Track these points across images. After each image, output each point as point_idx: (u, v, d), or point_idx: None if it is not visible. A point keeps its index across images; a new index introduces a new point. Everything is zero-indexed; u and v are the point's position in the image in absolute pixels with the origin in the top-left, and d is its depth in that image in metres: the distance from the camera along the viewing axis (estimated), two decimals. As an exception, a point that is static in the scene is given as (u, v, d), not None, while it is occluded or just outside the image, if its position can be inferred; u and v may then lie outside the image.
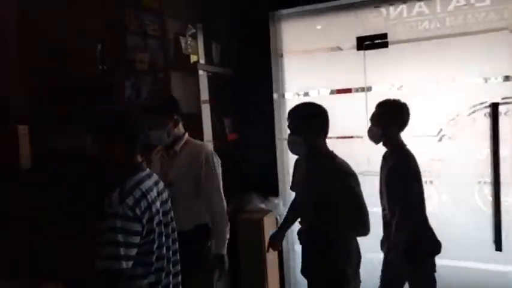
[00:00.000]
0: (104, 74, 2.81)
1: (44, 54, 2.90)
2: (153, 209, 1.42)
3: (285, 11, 2.97)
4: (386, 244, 2.19)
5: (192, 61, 2.63)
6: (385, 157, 2.23)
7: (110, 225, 1.29)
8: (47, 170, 2.67)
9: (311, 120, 1.83)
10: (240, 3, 3.00)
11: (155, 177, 1.56)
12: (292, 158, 3.04)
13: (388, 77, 2.83)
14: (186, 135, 2.09)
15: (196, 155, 2.02)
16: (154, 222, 1.41)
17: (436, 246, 2.10)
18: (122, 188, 1.36)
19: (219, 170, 2.07)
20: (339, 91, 2.93)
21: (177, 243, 1.61)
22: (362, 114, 2.68)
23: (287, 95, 3.08)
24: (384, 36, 2.78)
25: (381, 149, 2.22)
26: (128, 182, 1.39)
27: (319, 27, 2.96)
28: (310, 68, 3.00)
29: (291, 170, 3.01)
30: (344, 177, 1.76)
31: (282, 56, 3.05)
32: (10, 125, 2.69)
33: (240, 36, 3.02)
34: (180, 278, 1.60)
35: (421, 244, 2.07)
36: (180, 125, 2.06)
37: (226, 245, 2.06)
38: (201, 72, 2.62)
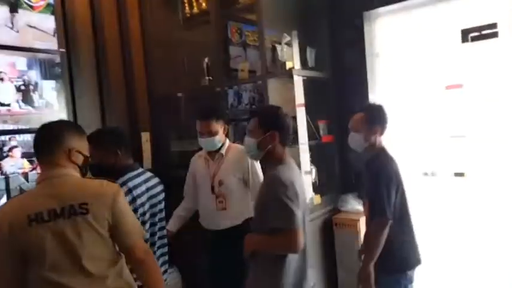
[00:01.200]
0: (211, 84, 3.15)
1: (163, 69, 3.39)
2: (138, 202, 1.81)
3: (380, 9, 2.91)
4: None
5: (288, 67, 2.76)
6: (366, 163, 2.10)
7: None
8: (164, 170, 3.09)
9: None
10: (334, 4, 3.05)
11: (145, 175, 1.96)
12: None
13: (496, 71, 2.58)
14: (227, 141, 2.38)
15: (241, 156, 2.27)
16: (138, 212, 1.79)
17: (402, 264, 1.97)
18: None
19: (260, 167, 2.32)
20: (448, 87, 2.76)
21: (164, 230, 2.03)
22: (467, 112, 2.49)
23: (383, 95, 3.02)
24: (493, 26, 2.54)
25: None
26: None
27: (416, 23, 2.83)
28: (407, 66, 2.89)
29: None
30: (274, 187, 1.61)
31: (377, 55, 2.99)
32: (138, 132, 3.22)
33: (335, 38, 3.06)
34: (166, 258, 2.04)
35: (385, 258, 1.90)
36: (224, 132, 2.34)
37: None
38: (296, 77, 2.73)
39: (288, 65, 2.77)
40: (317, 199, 2.88)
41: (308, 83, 2.91)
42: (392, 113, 2.87)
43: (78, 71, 2.95)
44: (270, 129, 1.68)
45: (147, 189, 1.92)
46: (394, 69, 2.96)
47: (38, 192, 1.38)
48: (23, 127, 2.54)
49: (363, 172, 2.16)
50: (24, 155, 2.53)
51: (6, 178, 2.47)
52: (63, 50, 2.86)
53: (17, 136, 2.50)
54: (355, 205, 2.90)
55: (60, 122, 1.58)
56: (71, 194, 1.38)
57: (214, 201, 2.29)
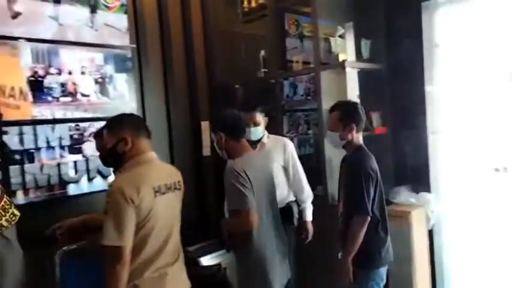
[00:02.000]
0: (267, 75, 3.29)
1: (222, 61, 3.59)
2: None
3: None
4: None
5: (341, 59, 2.80)
6: (343, 160, 2.17)
7: None
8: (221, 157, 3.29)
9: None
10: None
11: None
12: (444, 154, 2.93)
13: None
14: (265, 131, 2.60)
15: (280, 145, 2.56)
16: None
17: (376, 261, 2.01)
18: None
19: (296, 154, 2.63)
20: None
21: None
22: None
23: (440, 87, 2.94)
24: None
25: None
26: None
27: (477, 12, 2.71)
28: (468, 57, 2.79)
29: (445, 166, 2.92)
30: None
31: (437, 46, 2.91)
32: (198, 121, 3.46)
33: (391, 29, 3.03)
34: None
35: (362, 254, 1.97)
36: None
37: (311, 213, 2.62)
38: (349, 69, 2.77)
39: (341, 57, 2.81)
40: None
41: (362, 74, 2.93)
42: (453, 105, 2.85)
43: (146, 65, 3.24)
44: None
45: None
46: (454, 60, 2.87)
47: (152, 169, 1.62)
48: (100, 115, 2.87)
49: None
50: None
51: (87, 160, 2.82)
52: (134, 45, 3.15)
53: (95, 123, 2.83)
54: (408, 197, 2.90)
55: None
56: (170, 172, 1.70)
57: None
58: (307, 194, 2.61)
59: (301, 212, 2.61)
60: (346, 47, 2.87)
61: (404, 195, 2.93)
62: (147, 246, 1.55)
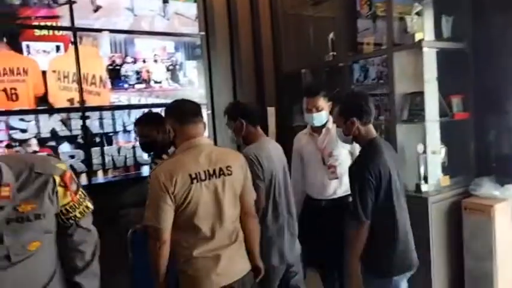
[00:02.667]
0: (335, 59, 3.17)
1: (289, 46, 3.53)
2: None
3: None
4: None
5: (417, 39, 2.59)
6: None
7: None
8: (288, 143, 3.27)
9: None
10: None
11: None
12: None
13: None
14: (330, 116, 2.43)
15: None
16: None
17: (388, 269, 1.81)
18: None
19: None
20: None
21: None
22: None
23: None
24: None
25: None
26: None
27: None
28: None
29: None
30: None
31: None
32: (264, 107, 3.46)
33: (477, 3, 2.72)
34: None
35: (370, 261, 1.83)
36: None
37: None
38: (426, 49, 2.55)
39: (418, 36, 2.60)
40: (444, 181, 2.69)
41: (442, 55, 2.68)
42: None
43: (215, 52, 3.30)
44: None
45: None
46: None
47: (193, 155, 1.64)
48: (171, 101, 2.99)
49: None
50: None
51: (159, 144, 2.98)
52: (203, 33, 3.23)
53: (166, 109, 2.97)
54: (490, 190, 2.62)
55: (193, 101, 1.83)
56: (218, 158, 1.67)
57: (326, 171, 2.45)
58: None
59: None
60: (423, 26, 2.64)
61: (486, 187, 2.65)
62: (195, 228, 1.61)
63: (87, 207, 1.32)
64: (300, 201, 2.54)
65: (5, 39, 2.44)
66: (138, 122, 2.41)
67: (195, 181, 1.59)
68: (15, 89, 2.48)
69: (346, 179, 2.29)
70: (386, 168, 1.79)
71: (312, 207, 2.54)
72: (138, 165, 2.90)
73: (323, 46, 3.27)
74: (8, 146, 2.47)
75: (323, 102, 2.44)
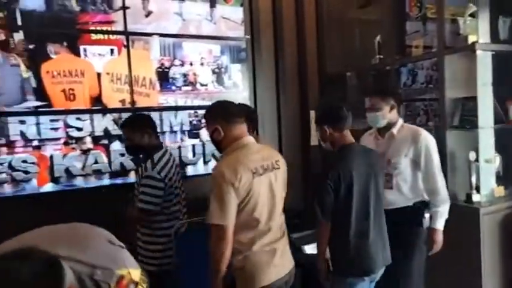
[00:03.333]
0: (382, 62, 3.10)
1: (334, 50, 3.50)
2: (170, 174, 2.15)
3: None
4: None
5: (470, 41, 2.48)
6: None
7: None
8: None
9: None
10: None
11: (169, 153, 2.27)
12: None
13: None
14: (401, 120, 2.27)
15: (412, 136, 2.19)
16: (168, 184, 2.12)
17: (353, 268, 1.86)
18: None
19: (436, 151, 2.20)
20: None
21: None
22: None
23: None
24: None
25: None
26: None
27: None
28: None
29: None
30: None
31: None
32: (307, 111, 3.45)
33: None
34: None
35: (336, 260, 1.91)
36: (395, 111, 2.24)
37: (443, 221, 2.18)
38: (480, 52, 2.43)
39: (471, 38, 2.48)
40: (499, 191, 2.54)
41: (498, 58, 2.54)
42: None
43: (259, 55, 3.34)
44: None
45: (175, 165, 2.29)
46: None
47: (247, 153, 1.70)
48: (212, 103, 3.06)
49: None
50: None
51: (203, 144, 3.06)
52: (248, 36, 3.28)
53: (211, 111, 3.04)
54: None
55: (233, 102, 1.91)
56: (267, 153, 1.76)
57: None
58: (442, 198, 2.19)
59: (430, 217, 2.23)
60: (477, 27, 2.51)
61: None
62: (253, 223, 1.66)
63: None
64: None
65: (65, 43, 2.61)
66: (123, 125, 2.34)
67: (255, 175, 1.65)
68: (72, 89, 2.65)
69: (406, 189, 2.20)
70: (348, 173, 1.84)
71: None
72: (183, 165, 2.99)
73: (369, 49, 3.21)
74: (66, 143, 2.64)
75: (380, 103, 2.24)
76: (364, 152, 2.02)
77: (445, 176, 2.38)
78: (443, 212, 2.19)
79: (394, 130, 2.26)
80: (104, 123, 2.74)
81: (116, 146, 2.77)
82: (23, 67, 2.51)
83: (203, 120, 2.99)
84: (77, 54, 2.66)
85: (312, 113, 3.40)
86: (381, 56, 3.13)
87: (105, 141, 2.75)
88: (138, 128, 2.22)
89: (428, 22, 3.31)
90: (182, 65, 3.01)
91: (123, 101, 2.82)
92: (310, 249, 2.79)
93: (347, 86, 3.40)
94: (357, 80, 3.42)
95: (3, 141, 2.47)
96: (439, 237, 2.18)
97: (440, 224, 2.18)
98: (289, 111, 3.46)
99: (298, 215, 2.85)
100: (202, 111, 3.02)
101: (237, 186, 1.58)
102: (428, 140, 2.20)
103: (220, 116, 1.74)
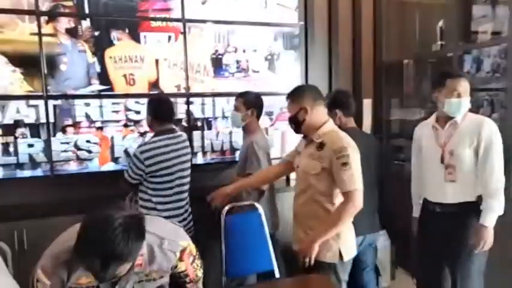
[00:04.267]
0: (444, 49, 2.93)
1: (391, 36, 3.36)
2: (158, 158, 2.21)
3: None
4: None
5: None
6: None
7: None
8: (384, 137, 3.14)
9: None
10: None
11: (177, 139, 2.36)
12: None
13: None
14: None
15: (476, 125, 2.04)
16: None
17: None
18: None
19: (499, 142, 2.04)
20: None
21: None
22: None
23: None
24: None
25: None
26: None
27: None
28: None
29: None
30: None
31: None
32: (360, 99, 3.36)
33: None
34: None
35: None
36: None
37: (493, 218, 2.02)
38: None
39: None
40: None
41: None
42: None
43: (312, 42, 3.29)
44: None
45: (175, 150, 2.33)
46: None
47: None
48: (267, 90, 3.07)
49: None
50: (266, 113, 3.08)
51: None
52: (302, 23, 3.24)
53: (263, 97, 3.04)
54: None
55: None
56: None
57: (443, 171, 2.13)
58: (492, 192, 2.02)
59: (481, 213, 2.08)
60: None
61: None
62: None
63: (197, 275, 1.55)
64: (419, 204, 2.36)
65: (127, 30, 2.75)
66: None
67: None
68: (132, 74, 2.79)
69: (468, 182, 2.08)
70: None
71: (426, 211, 2.28)
72: (232, 150, 3.05)
73: (430, 35, 3.04)
74: (125, 125, 2.80)
75: (466, 86, 2.06)
76: (364, 135, 2.48)
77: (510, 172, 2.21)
78: (491, 207, 2.01)
79: (458, 119, 2.09)
80: (160, 107, 2.85)
81: (171, 129, 2.88)
82: (88, 53, 2.68)
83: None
84: (138, 40, 2.79)
85: (366, 102, 3.31)
86: (443, 42, 2.96)
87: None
88: (148, 113, 2.40)
89: (499, 6, 3.07)
90: (235, 51, 3.04)
91: (178, 87, 2.92)
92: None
93: (404, 75, 3.26)
94: (415, 68, 3.27)
95: (70, 121, 2.67)
96: (487, 235, 2.01)
97: (489, 221, 2.01)
98: (341, 99, 3.39)
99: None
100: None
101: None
102: (493, 129, 2.04)
103: (310, 96, 1.86)
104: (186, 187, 2.43)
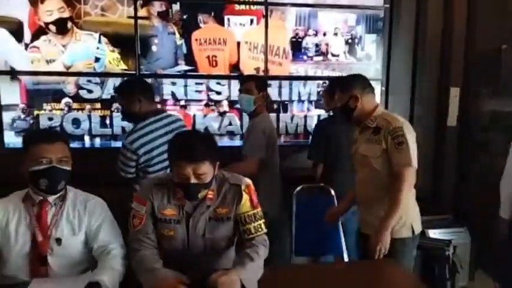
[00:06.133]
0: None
1: (488, 20, 3.07)
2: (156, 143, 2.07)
3: None
4: None
5: None
6: None
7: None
8: (470, 130, 2.92)
9: None
10: None
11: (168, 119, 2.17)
12: None
13: None
14: None
15: None
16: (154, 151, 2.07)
17: None
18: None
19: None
20: None
21: None
22: None
23: None
24: None
25: None
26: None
27: None
28: None
29: None
30: None
31: None
32: (446, 88, 3.14)
33: None
34: None
35: None
36: None
37: None
38: None
39: None
40: None
41: None
42: None
43: (397, 25, 3.14)
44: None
45: (168, 132, 2.09)
46: None
47: None
48: (346, 75, 3.01)
49: None
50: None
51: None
52: (387, 5, 3.10)
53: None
54: None
55: None
56: None
57: None
58: None
59: None
60: None
61: None
62: None
63: (261, 227, 1.47)
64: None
65: (212, 13, 2.88)
66: (115, 91, 2.30)
67: None
68: (215, 56, 2.92)
69: None
70: None
71: None
72: (307, 133, 3.07)
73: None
74: (206, 105, 2.96)
75: None
76: None
77: None
78: None
79: None
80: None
81: (248, 111, 2.98)
82: (177, 35, 2.86)
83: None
84: (222, 23, 2.90)
85: (453, 91, 3.09)
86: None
87: (238, 106, 2.97)
88: (128, 94, 2.11)
89: None
90: (316, 34, 3.03)
91: (257, 69, 2.99)
92: (434, 234, 2.65)
93: (501, 62, 2.97)
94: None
95: (158, 99, 2.89)
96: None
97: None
98: (425, 88, 3.19)
99: (425, 198, 2.68)
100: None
101: None
102: None
103: (360, 85, 1.88)
104: None
